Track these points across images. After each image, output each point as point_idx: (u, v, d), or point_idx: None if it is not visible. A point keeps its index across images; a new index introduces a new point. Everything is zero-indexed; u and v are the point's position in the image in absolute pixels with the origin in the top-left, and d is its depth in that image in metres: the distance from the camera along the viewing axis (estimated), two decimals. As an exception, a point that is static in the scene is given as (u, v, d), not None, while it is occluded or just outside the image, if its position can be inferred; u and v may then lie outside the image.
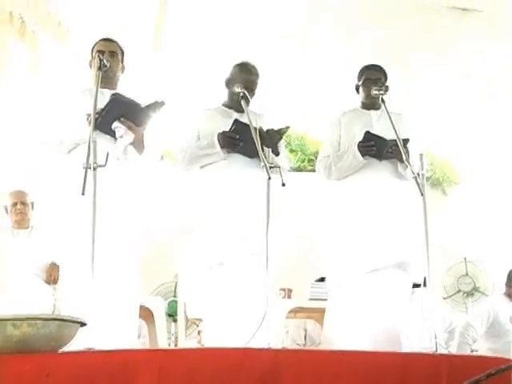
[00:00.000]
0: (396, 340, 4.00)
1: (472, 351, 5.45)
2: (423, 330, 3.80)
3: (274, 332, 3.21)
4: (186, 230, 4.18)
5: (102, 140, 3.54)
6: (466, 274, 7.03)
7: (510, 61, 6.61)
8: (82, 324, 2.71)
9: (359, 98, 4.35)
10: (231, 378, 2.60)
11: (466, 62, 6.75)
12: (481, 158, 7.36)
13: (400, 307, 4.09)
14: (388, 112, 3.88)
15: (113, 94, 3.78)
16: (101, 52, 3.88)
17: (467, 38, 6.56)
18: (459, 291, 7.02)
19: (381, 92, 4.03)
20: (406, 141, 3.99)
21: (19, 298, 4.83)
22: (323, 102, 6.60)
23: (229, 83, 4.12)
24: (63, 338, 2.65)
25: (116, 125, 3.76)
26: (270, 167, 3.47)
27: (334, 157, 4.23)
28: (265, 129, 3.88)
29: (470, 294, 7.02)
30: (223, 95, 4.19)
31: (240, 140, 3.91)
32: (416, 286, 4.44)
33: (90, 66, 4.01)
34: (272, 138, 3.92)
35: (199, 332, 5.56)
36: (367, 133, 4.12)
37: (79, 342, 2.78)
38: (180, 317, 5.20)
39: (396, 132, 3.80)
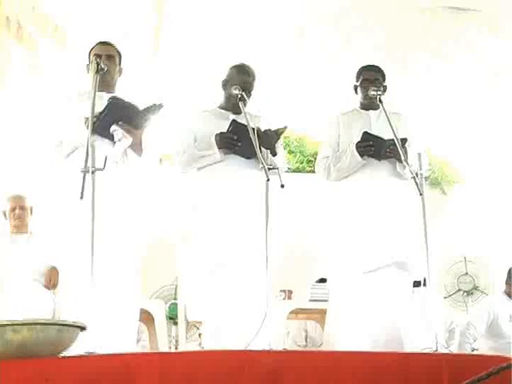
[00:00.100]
0: (397, 340, 4.00)
1: (473, 350, 5.45)
2: (424, 330, 3.80)
3: (274, 333, 3.20)
4: (185, 233, 4.18)
5: (101, 144, 3.55)
6: (466, 273, 7.04)
7: (508, 60, 6.61)
8: (82, 328, 2.71)
9: (358, 98, 4.35)
10: (232, 381, 2.60)
11: (465, 62, 6.76)
12: (480, 158, 7.36)
13: (400, 307, 4.09)
14: (386, 112, 3.88)
15: (111, 98, 3.77)
16: (98, 55, 3.88)
17: (466, 38, 6.57)
18: (459, 290, 7.03)
19: (378, 92, 4.04)
20: (404, 140, 4.00)
21: (19, 302, 4.83)
22: (322, 103, 6.60)
23: (226, 85, 4.12)
24: (63, 343, 2.64)
25: (114, 128, 3.76)
26: (269, 169, 3.47)
27: (333, 157, 4.23)
28: (262, 130, 3.88)
29: (470, 292, 7.03)
30: (220, 97, 4.19)
31: (238, 141, 3.91)
32: (416, 285, 4.44)
33: (88, 70, 4.00)
34: (270, 139, 3.91)
35: (200, 335, 5.55)
36: (365, 133, 4.13)
37: (79, 347, 2.78)
38: (180, 319, 5.20)
39: (394, 132, 3.80)
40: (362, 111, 4.33)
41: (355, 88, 4.33)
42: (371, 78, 4.24)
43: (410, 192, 3.76)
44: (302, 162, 7.56)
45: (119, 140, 3.78)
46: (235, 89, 3.90)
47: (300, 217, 6.80)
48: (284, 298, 5.51)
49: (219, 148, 3.93)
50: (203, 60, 6.52)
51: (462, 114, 7.13)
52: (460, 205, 7.50)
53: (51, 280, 5.18)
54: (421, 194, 3.55)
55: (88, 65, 3.99)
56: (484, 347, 5.47)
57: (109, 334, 3.36)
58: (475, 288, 7.02)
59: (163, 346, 4.83)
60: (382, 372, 2.72)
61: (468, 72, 6.79)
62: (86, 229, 3.15)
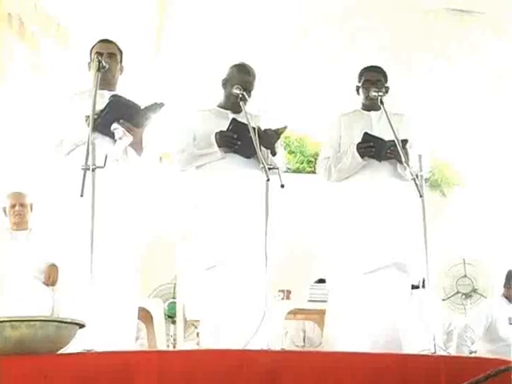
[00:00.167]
0: (396, 341, 4.00)
1: (471, 352, 5.45)
2: (422, 331, 3.80)
3: (272, 333, 3.20)
4: (184, 232, 4.18)
5: (101, 141, 3.54)
6: (465, 276, 7.03)
7: (510, 62, 6.61)
8: (81, 326, 2.71)
9: (359, 99, 4.35)
10: (230, 380, 2.60)
11: (468, 64, 6.76)
12: (480, 160, 7.36)
13: (399, 308, 4.09)
14: (387, 113, 3.88)
15: (112, 96, 3.77)
16: (99, 53, 3.88)
17: (469, 40, 6.57)
18: (458, 293, 7.02)
19: (380, 93, 4.03)
20: (404, 141, 3.99)
21: (18, 299, 4.83)
22: (323, 103, 6.60)
23: (226, 84, 4.11)
24: (62, 340, 2.64)
25: (115, 126, 3.76)
26: (269, 168, 3.47)
27: (334, 158, 4.23)
28: (262, 129, 3.88)
29: (468, 295, 7.02)
30: (219, 96, 4.18)
31: (238, 139, 3.90)
32: (415, 287, 4.44)
33: (89, 68, 4.00)
34: (270, 138, 3.91)
35: (198, 334, 5.55)
36: (366, 134, 4.13)
37: (78, 344, 2.78)
38: (179, 318, 5.20)
39: (394, 133, 3.80)
40: (364, 112, 4.33)
41: (357, 89, 4.33)
42: (373, 79, 4.23)
43: (411, 193, 3.75)
44: (303, 163, 7.55)
45: (120, 138, 3.78)
46: (236, 88, 3.90)
47: (300, 217, 6.80)
48: (282, 298, 5.51)
49: (219, 146, 3.93)
50: (205, 60, 6.52)
51: (463, 116, 7.13)
52: (460, 207, 7.50)
53: (50, 277, 5.18)
54: (421, 196, 3.55)
55: (89, 63, 3.99)
56: (482, 350, 5.47)
57: (107, 331, 3.36)
58: (474, 291, 7.02)
59: (161, 345, 4.83)
60: (381, 373, 2.72)
61: (471, 74, 6.79)
62: (85, 226, 3.14)
